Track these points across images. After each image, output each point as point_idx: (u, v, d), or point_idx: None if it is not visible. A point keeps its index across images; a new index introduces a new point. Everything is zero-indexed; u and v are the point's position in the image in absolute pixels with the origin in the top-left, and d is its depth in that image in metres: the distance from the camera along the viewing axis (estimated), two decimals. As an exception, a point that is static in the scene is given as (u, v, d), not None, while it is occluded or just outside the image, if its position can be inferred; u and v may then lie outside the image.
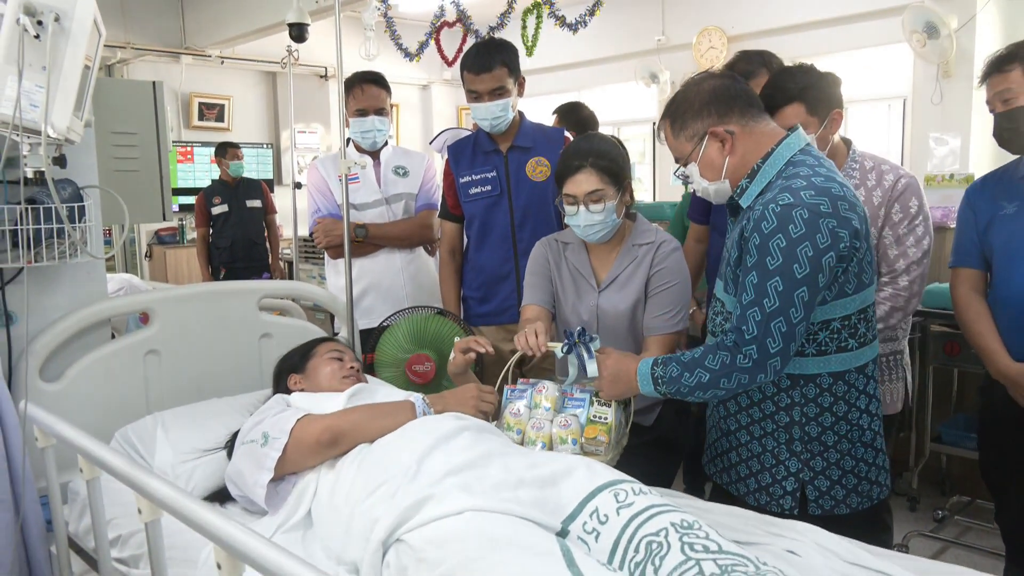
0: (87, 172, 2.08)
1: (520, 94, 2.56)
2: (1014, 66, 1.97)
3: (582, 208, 1.92)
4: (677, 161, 1.73)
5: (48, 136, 1.67)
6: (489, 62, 2.44)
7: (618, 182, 1.94)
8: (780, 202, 1.51)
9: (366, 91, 2.79)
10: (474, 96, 2.49)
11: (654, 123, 7.30)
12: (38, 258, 1.90)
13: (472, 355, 1.90)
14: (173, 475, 1.83)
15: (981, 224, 2.10)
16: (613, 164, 1.93)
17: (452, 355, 1.92)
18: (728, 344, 1.55)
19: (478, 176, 2.59)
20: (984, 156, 5.10)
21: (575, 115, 3.36)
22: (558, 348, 1.74)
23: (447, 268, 2.73)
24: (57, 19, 1.66)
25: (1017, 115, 1.97)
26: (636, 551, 1.28)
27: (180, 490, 1.21)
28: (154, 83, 2.27)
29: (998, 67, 2.00)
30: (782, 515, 1.63)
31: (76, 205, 1.93)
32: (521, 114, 2.62)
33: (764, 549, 1.46)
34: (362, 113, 2.79)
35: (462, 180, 2.61)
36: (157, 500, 1.23)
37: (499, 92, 2.46)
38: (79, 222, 1.96)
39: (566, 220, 2.00)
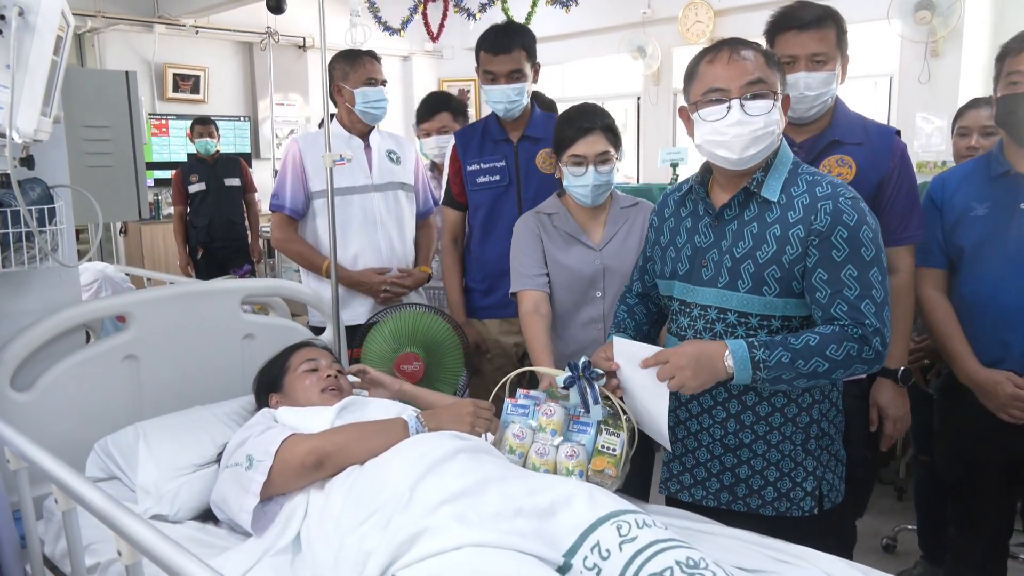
0: (57, 170, 1.96)
1: (535, 80, 2.50)
2: None
3: (591, 169, 2.03)
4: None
5: (13, 140, 1.56)
6: (508, 43, 2.40)
7: (618, 146, 2.09)
8: (846, 195, 1.56)
9: (374, 63, 2.72)
10: (490, 78, 2.43)
11: (638, 97, 7.20)
12: (6, 263, 1.80)
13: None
14: (158, 495, 1.75)
15: (948, 223, 2.01)
16: (615, 128, 2.08)
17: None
18: (856, 335, 1.50)
19: (487, 165, 2.53)
20: (971, 137, 5.06)
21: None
22: (560, 378, 1.66)
23: (451, 257, 2.65)
24: (21, 13, 1.55)
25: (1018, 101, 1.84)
26: (640, 591, 1.23)
27: (164, 536, 1.13)
28: (127, 73, 2.14)
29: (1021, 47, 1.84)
30: (803, 519, 1.66)
31: (46, 207, 1.82)
32: (533, 103, 2.56)
33: (770, 578, 1.42)
34: (372, 83, 2.69)
35: (470, 168, 2.54)
36: (139, 546, 1.15)
37: (516, 75, 2.42)
38: (49, 224, 1.85)
39: (570, 183, 2.07)
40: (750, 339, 1.53)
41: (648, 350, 1.58)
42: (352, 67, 2.69)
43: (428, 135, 3.25)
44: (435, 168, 3.31)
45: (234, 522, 1.65)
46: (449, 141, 3.19)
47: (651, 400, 1.60)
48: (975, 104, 2.76)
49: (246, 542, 1.59)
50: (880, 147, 1.95)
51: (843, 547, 1.93)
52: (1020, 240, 1.87)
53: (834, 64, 1.90)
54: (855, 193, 1.58)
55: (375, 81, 2.69)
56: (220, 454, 1.79)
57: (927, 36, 4.98)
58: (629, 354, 1.63)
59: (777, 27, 1.94)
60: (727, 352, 1.51)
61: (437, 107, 3.28)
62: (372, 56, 2.74)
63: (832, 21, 1.90)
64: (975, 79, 5.06)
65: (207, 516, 1.75)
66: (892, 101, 5.67)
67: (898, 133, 2.02)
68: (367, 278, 2.67)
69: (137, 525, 1.17)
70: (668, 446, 1.69)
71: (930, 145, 5.10)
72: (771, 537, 1.56)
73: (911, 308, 2.00)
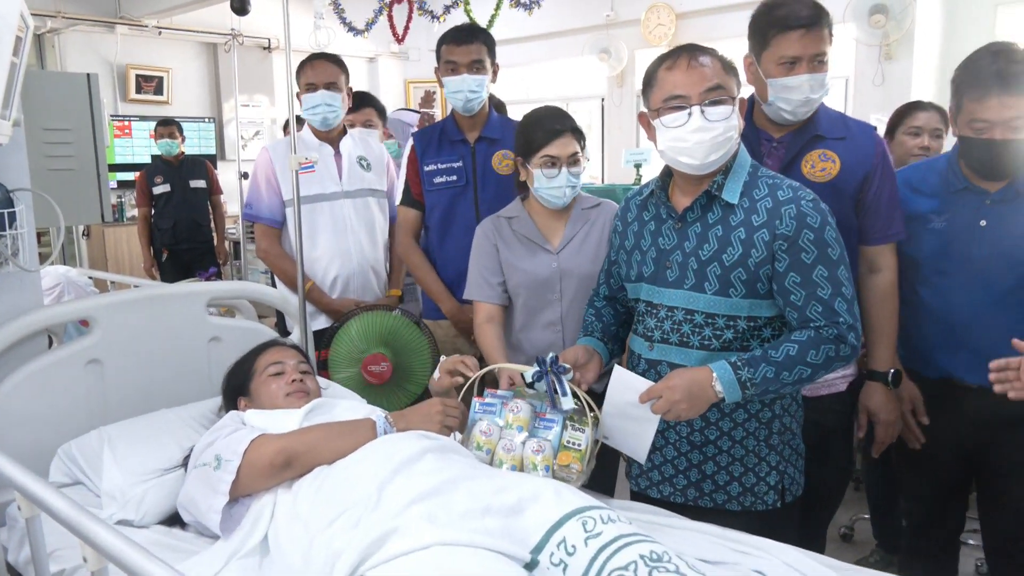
0: (17, 173, 1.92)
1: (493, 80, 2.50)
2: None
3: (564, 170, 2.00)
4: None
5: (-29, 143, 1.53)
6: (471, 36, 2.43)
7: (584, 147, 2.06)
8: (807, 198, 1.59)
9: (316, 66, 2.67)
10: (451, 67, 2.43)
11: (603, 99, 7.23)
12: (-35, 268, 1.76)
13: (459, 379, 1.80)
14: (123, 500, 1.72)
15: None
16: (581, 130, 2.06)
17: (436, 374, 1.84)
18: (830, 336, 1.54)
19: (444, 165, 2.50)
20: (922, 138, 5.18)
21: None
22: (528, 373, 1.67)
23: (417, 255, 2.58)
24: (-23, 15, 1.51)
25: (1017, 148, 1.70)
26: (606, 586, 1.24)
27: (130, 541, 1.12)
28: (88, 75, 2.10)
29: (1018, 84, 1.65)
30: (768, 513, 1.69)
31: (6, 212, 1.79)
32: (491, 107, 2.55)
33: (732, 569, 1.44)
34: (311, 88, 2.65)
35: (427, 168, 2.52)
36: (105, 552, 1.14)
37: (477, 66, 2.42)
38: (9, 228, 1.82)
39: (542, 184, 2.02)
40: (732, 360, 1.55)
41: (643, 383, 1.60)
42: (297, 75, 2.66)
43: (352, 126, 3.24)
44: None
45: (201, 524, 1.63)
46: (371, 135, 3.18)
47: (638, 426, 1.63)
48: (921, 106, 2.78)
49: (213, 545, 1.57)
50: (863, 142, 1.89)
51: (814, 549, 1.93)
52: (977, 259, 1.82)
53: (828, 62, 1.83)
54: (814, 195, 1.61)
55: (314, 86, 2.64)
56: (186, 458, 1.76)
57: (881, 40, 5.08)
58: (623, 383, 1.64)
59: (777, 26, 1.80)
60: (714, 377, 1.54)
61: (364, 102, 3.32)
62: (314, 59, 2.68)
63: (827, 16, 1.81)
64: (927, 81, 5.17)
65: (174, 520, 1.73)
66: (847, 102, 5.76)
67: (875, 130, 1.96)
68: (345, 308, 2.65)
69: (102, 531, 1.16)
70: (643, 461, 1.71)
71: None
72: (734, 530, 1.58)
73: (897, 308, 1.93)
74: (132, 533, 1.64)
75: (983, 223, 1.82)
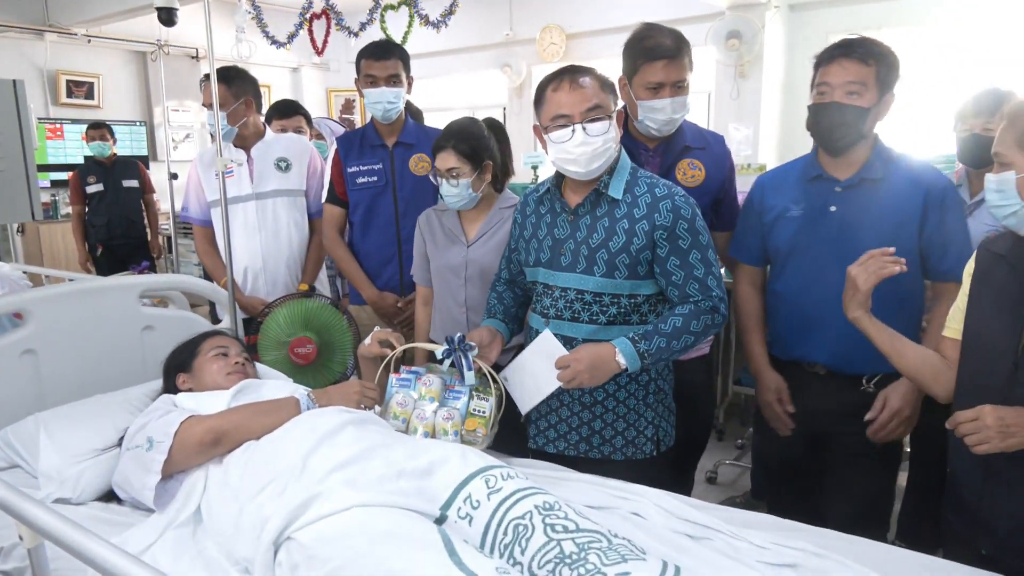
0: (-57, 174, 1.77)
1: (408, 91, 2.47)
2: (872, 61, 1.64)
3: (443, 181, 1.99)
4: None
5: None
6: (388, 52, 2.40)
7: (475, 162, 1.96)
8: (679, 194, 1.65)
9: (207, 88, 2.48)
10: (370, 81, 2.39)
11: (504, 107, 7.23)
12: None
13: (387, 350, 1.78)
14: (60, 479, 1.61)
15: (767, 222, 1.86)
16: (470, 147, 1.96)
17: (368, 340, 1.81)
18: (707, 307, 1.63)
19: (365, 167, 2.48)
20: (771, 144, 5.45)
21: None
22: (439, 351, 1.67)
23: (341, 247, 2.55)
24: None
25: (853, 113, 1.66)
26: (505, 534, 1.25)
27: (64, 519, 1.05)
28: (14, 82, 1.93)
29: (862, 55, 1.64)
30: (646, 461, 1.74)
31: (-68, 211, 1.64)
32: (407, 115, 2.53)
33: (613, 512, 1.48)
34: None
35: (350, 170, 2.49)
36: (38, 529, 1.07)
37: (394, 79, 2.40)
38: (-63, 227, 1.67)
39: (440, 190, 2.04)
40: (630, 335, 1.59)
41: (560, 350, 1.64)
42: None
43: (284, 131, 3.13)
44: None
45: (137, 500, 1.55)
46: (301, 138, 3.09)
47: (538, 384, 1.67)
48: None
49: (149, 518, 1.50)
50: (719, 151, 2.00)
51: (684, 491, 1.97)
52: (827, 243, 1.75)
53: (688, 87, 1.87)
54: (684, 192, 1.68)
55: (210, 105, 2.40)
56: (122, 438, 1.67)
57: (736, 60, 5.28)
58: (545, 344, 1.66)
59: (645, 56, 1.82)
60: (617, 352, 1.58)
61: (294, 110, 3.29)
62: (219, 77, 2.46)
63: (687, 46, 1.86)
64: (773, 96, 5.43)
65: (110, 497, 1.64)
66: (710, 113, 5.97)
67: (724, 140, 2.06)
68: (252, 307, 2.58)
69: (35, 509, 1.09)
70: (524, 412, 1.74)
71: (740, 151, 5.41)
72: (618, 479, 1.62)
73: None
74: (69, 510, 1.54)
75: (832, 208, 1.75)
